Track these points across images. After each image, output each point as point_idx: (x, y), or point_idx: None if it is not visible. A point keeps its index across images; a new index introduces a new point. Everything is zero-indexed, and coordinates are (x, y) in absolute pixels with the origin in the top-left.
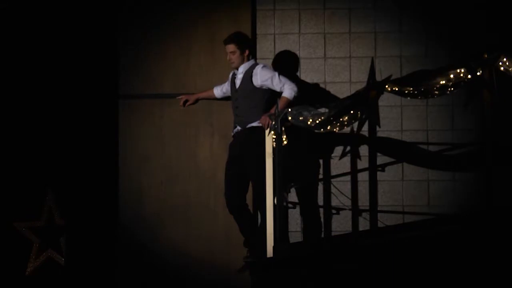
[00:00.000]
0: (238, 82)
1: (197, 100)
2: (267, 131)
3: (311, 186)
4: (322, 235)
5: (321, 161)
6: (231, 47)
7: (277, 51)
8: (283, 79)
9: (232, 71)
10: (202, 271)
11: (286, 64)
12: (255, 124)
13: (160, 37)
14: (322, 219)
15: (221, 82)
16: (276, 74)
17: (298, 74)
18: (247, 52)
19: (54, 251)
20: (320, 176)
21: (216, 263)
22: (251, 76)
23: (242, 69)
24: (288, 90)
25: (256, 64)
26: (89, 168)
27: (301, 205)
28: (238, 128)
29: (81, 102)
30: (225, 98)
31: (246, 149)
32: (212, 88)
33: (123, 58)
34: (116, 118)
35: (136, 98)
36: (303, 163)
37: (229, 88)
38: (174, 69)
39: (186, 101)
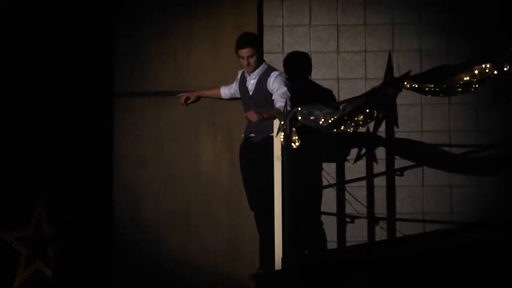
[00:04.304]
0: (251, 87)
1: (199, 98)
2: (275, 133)
3: (317, 192)
4: (328, 246)
5: (333, 165)
6: (248, 51)
7: (285, 44)
8: (286, 97)
9: (241, 72)
10: (203, 283)
11: (296, 66)
12: (272, 133)
13: (159, 30)
14: (335, 228)
15: (224, 77)
16: (286, 89)
17: (310, 76)
18: (261, 53)
19: (42, 263)
20: (333, 181)
21: (219, 274)
22: (266, 82)
23: (255, 75)
24: (280, 104)
25: (271, 68)
26: (82, 172)
27: (305, 213)
28: (252, 135)
29: (72, 101)
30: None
31: (263, 158)
32: (218, 87)
33: (118, 52)
34: (110, 117)
35: (132, 96)
36: (312, 166)
37: (237, 89)
38: (174, 65)
39: (187, 98)
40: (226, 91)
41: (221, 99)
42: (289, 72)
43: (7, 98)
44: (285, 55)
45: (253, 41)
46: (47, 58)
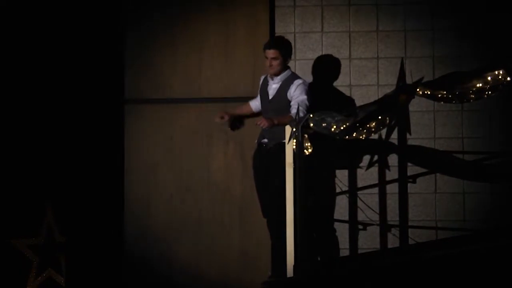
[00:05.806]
0: (271, 92)
1: (235, 119)
2: (286, 140)
3: (330, 199)
4: (340, 253)
5: (346, 172)
6: (273, 53)
7: (297, 51)
8: (304, 105)
9: (264, 77)
10: None
11: (328, 69)
12: (284, 140)
13: (170, 36)
14: (347, 235)
15: (235, 84)
16: (305, 98)
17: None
18: (288, 60)
19: (54, 270)
20: (345, 188)
21: (230, 282)
22: (288, 89)
23: (278, 80)
24: (294, 111)
25: (294, 76)
26: (92, 179)
27: (318, 220)
28: (265, 140)
29: (83, 108)
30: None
31: (275, 164)
32: (246, 102)
33: (129, 59)
34: (121, 125)
35: (143, 102)
36: (325, 173)
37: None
38: (185, 71)
39: (222, 117)
40: (256, 103)
41: (254, 113)
42: (315, 77)
43: (15, 104)
44: (297, 62)
45: (280, 44)
46: (58, 64)
